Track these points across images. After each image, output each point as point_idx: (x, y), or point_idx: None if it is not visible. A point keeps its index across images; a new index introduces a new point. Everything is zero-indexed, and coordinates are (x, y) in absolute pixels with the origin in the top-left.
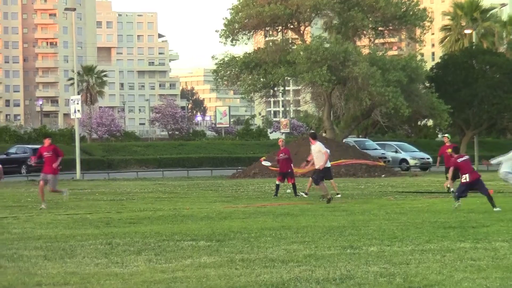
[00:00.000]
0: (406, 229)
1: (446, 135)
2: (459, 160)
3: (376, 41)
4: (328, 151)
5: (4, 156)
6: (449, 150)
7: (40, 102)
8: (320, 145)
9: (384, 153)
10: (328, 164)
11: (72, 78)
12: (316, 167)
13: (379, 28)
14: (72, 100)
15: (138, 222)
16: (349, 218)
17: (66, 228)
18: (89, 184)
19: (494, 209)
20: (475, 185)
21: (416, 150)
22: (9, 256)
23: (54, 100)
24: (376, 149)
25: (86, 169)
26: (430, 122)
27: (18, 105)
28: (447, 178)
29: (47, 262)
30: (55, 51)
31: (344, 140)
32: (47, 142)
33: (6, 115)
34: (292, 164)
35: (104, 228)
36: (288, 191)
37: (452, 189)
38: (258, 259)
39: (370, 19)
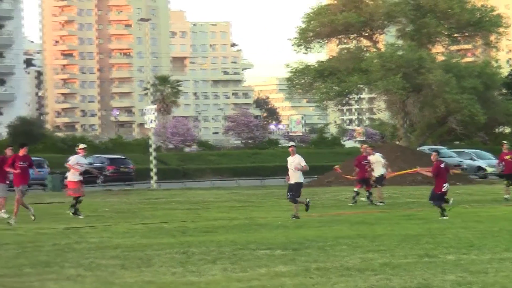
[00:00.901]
0: (483, 237)
1: (505, 141)
2: None
3: (451, 47)
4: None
5: None
6: (508, 157)
7: (116, 112)
8: (378, 156)
9: (460, 161)
10: (382, 172)
11: (146, 88)
12: (375, 175)
13: (454, 35)
14: (147, 110)
15: (214, 231)
16: (425, 226)
17: (143, 237)
18: (164, 194)
19: None
20: None
21: (493, 157)
22: (87, 265)
23: (129, 110)
24: (451, 156)
25: (161, 178)
26: (507, 129)
27: (94, 116)
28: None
29: (124, 271)
30: (130, 61)
31: (419, 148)
32: (23, 151)
33: (82, 126)
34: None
35: (180, 237)
36: (363, 199)
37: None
38: (334, 268)
39: (445, 25)
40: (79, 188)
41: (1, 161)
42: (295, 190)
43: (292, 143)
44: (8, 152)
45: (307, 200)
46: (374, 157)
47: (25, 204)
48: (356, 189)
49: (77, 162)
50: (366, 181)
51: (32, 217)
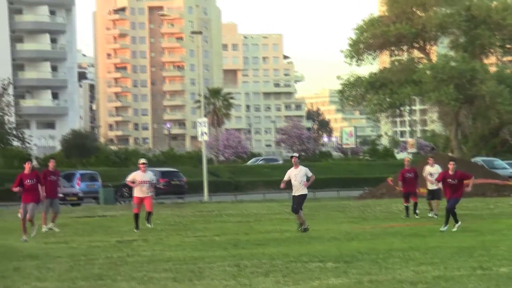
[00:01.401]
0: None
1: None
2: None
3: (504, 58)
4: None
5: None
6: None
7: (168, 125)
8: (438, 167)
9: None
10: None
11: (199, 101)
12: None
13: (507, 46)
14: (199, 122)
15: (266, 243)
16: (478, 239)
17: (195, 250)
18: (216, 206)
19: None
20: None
21: None
22: (139, 279)
23: (181, 123)
24: (505, 168)
25: (213, 191)
26: None
27: (146, 129)
28: None
29: (177, 284)
30: (182, 74)
31: (472, 159)
32: (27, 167)
33: (135, 139)
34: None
35: (232, 250)
36: (429, 215)
37: None
38: (386, 281)
39: (497, 36)
40: (138, 204)
41: (43, 175)
42: (297, 203)
43: (295, 154)
44: (51, 164)
45: (307, 226)
46: (434, 168)
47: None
48: (405, 204)
49: (135, 178)
50: (412, 194)
51: (33, 233)
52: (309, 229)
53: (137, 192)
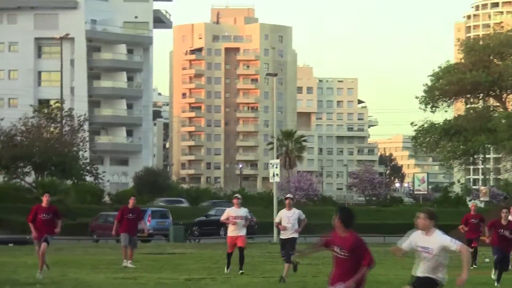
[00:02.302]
0: None
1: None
2: None
3: None
4: None
5: (204, 218)
6: None
7: (240, 166)
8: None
9: None
10: None
11: (271, 143)
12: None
13: None
14: (271, 164)
15: None
16: None
17: None
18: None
19: None
20: None
21: None
22: None
23: (253, 164)
24: None
25: None
26: None
27: (218, 168)
28: None
29: None
30: (256, 115)
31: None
32: (45, 200)
33: (207, 178)
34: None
35: None
36: (487, 260)
37: None
38: None
39: None
40: (231, 244)
41: (122, 212)
42: (289, 248)
43: (289, 195)
44: (131, 202)
45: (297, 261)
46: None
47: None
48: (471, 249)
49: (229, 214)
50: (474, 240)
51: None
52: (299, 263)
53: (230, 231)
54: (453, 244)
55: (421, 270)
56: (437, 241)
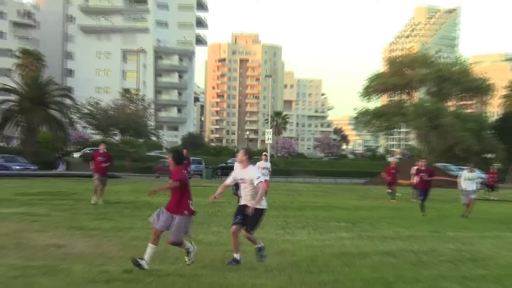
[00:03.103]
0: (472, 222)
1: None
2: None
3: (459, 102)
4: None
5: (224, 164)
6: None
7: (247, 133)
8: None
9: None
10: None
11: (267, 119)
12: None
13: (461, 95)
14: (267, 132)
15: (303, 208)
16: (436, 213)
17: None
18: (274, 185)
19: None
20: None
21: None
22: (224, 225)
23: (255, 132)
24: (455, 171)
25: (273, 175)
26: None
27: (233, 133)
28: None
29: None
30: (258, 101)
31: (436, 165)
32: (102, 147)
33: (227, 140)
34: (398, 176)
35: (282, 211)
36: (393, 194)
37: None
38: (376, 236)
39: (456, 89)
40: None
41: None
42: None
43: (265, 153)
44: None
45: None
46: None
47: (97, 190)
48: (388, 190)
49: (260, 166)
50: (393, 183)
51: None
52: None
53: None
54: (257, 179)
55: (243, 200)
56: (249, 174)
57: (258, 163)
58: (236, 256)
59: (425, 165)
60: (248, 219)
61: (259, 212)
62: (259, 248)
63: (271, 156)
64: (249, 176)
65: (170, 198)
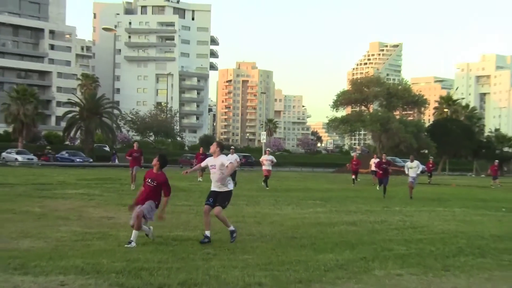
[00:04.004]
0: (412, 200)
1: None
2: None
3: (403, 112)
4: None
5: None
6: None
7: (247, 134)
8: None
9: (403, 165)
10: (373, 168)
11: (262, 124)
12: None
13: (404, 106)
14: (262, 133)
15: (289, 190)
16: (387, 194)
17: (252, 191)
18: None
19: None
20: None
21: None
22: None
23: (253, 133)
24: (400, 163)
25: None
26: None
27: (237, 135)
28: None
29: (246, 207)
30: (255, 111)
31: (386, 158)
32: (135, 145)
33: (232, 140)
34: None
35: (273, 192)
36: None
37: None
38: (343, 211)
39: (400, 102)
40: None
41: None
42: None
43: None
44: (201, 150)
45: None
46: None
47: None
48: (353, 176)
49: (264, 158)
50: (356, 172)
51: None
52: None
53: (265, 167)
54: (227, 161)
55: (213, 186)
56: (219, 161)
57: (263, 156)
58: (207, 233)
59: (385, 158)
60: (219, 197)
61: (228, 193)
62: (231, 231)
63: (265, 152)
64: (219, 162)
65: (142, 192)
